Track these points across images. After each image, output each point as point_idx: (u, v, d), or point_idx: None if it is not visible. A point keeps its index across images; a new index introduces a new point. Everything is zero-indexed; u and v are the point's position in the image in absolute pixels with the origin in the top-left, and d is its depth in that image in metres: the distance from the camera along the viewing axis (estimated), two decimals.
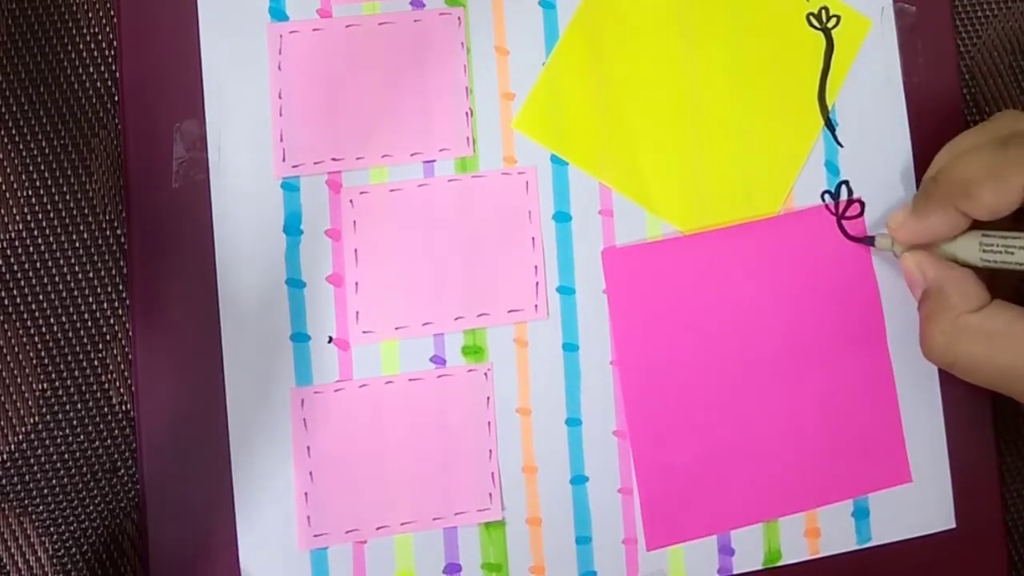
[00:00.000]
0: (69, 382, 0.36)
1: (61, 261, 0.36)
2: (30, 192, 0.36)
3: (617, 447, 0.38)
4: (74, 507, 0.36)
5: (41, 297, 0.36)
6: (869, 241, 0.38)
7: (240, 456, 0.36)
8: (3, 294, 0.36)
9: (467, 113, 0.38)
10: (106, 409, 0.36)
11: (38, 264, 0.36)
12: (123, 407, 0.36)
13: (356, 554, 0.36)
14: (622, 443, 0.38)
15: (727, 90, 0.39)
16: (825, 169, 0.40)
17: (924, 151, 0.40)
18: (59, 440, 0.36)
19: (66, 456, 0.36)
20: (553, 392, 0.38)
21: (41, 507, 0.35)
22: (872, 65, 0.40)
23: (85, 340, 0.36)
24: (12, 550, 0.35)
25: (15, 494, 0.35)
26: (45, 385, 0.36)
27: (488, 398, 0.37)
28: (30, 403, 0.36)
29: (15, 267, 0.36)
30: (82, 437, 0.36)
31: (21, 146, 0.36)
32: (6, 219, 0.36)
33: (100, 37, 0.37)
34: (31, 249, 0.36)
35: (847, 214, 0.40)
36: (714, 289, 0.39)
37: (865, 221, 0.40)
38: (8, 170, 0.36)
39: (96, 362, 0.36)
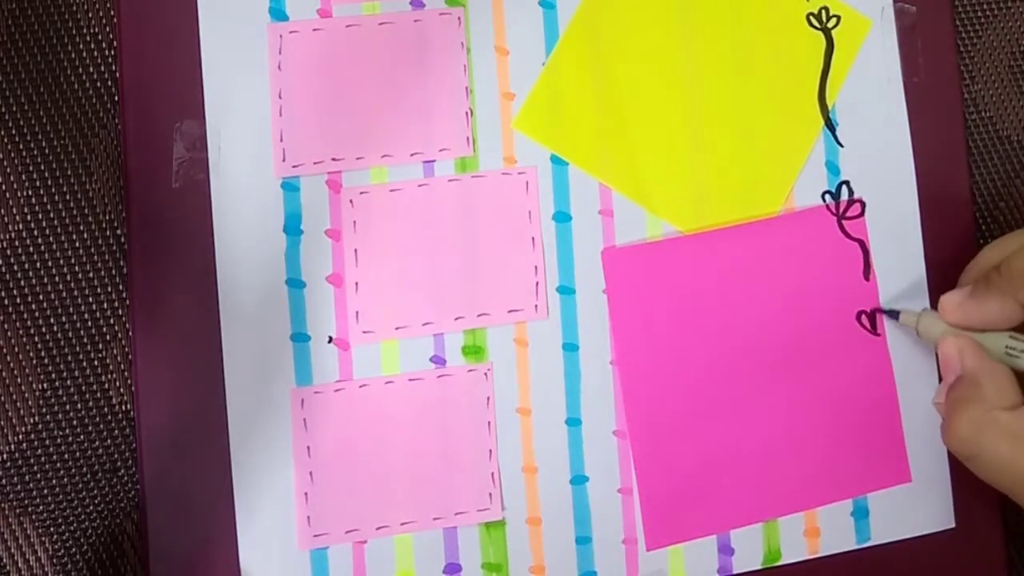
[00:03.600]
0: (69, 382, 0.36)
1: (61, 261, 0.36)
2: (30, 192, 0.36)
3: (617, 447, 0.38)
4: (74, 507, 0.36)
5: (41, 297, 0.36)
6: (893, 315, 0.38)
7: (240, 456, 0.36)
8: (3, 294, 0.36)
9: (467, 113, 0.38)
10: (106, 409, 0.36)
11: (38, 264, 0.36)
12: (123, 407, 0.36)
13: (356, 554, 0.36)
14: (622, 443, 0.38)
15: (727, 90, 0.39)
16: (825, 169, 0.40)
17: (924, 151, 0.40)
18: (59, 440, 0.36)
19: (66, 456, 0.36)
20: (553, 392, 0.38)
21: (41, 507, 0.35)
22: (872, 65, 0.40)
23: (85, 340, 0.36)
24: (12, 550, 0.35)
25: (15, 494, 0.35)
26: (45, 385, 0.36)
27: (488, 398, 0.37)
28: (30, 403, 0.36)
29: (15, 267, 0.36)
30: (82, 437, 0.36)
31: (21, 146, 0.36)
32: (6, 219, 0.36)
33: (100, 37, 0.37)
34: (31, 249, 0.36)
35: (848, 214, 0.40)
36: (714, 289, 0.39)
37: (866, 222, 0.40)
38: (8, 170, 0.36)
39: (96, 362, 0.36)
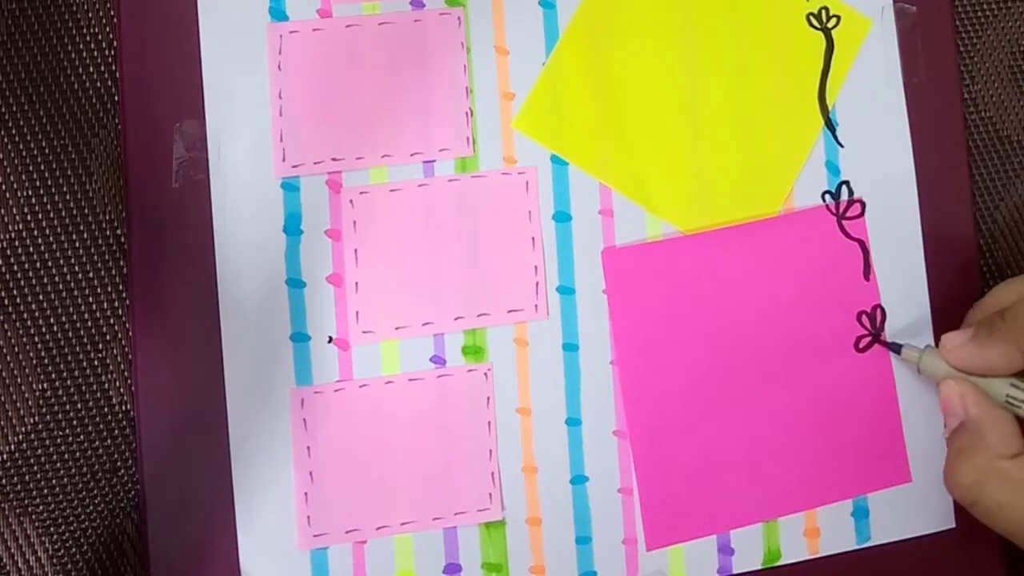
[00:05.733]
0: (69, 382, 0.36)
1: (61, 261, 0.36)
2: (30, 192, 0.36)
3: (617, 447, 0.38)
4: (74, 507, 0.36)
5: (41, 297, 0.36)
6: (895, 348, 0.38)
7: (240, 456, 0.36)
8: (3, 294, 0.36)
9: (467, 113, 0.38)
10: (106, 409, 0.36)
11: (38, 264, 0.36)
12: (123, 407, 0.36)
13: (356, 554, 0.36)
14: (622, 443, 0.38)
15: (727, 90, 0.39)
16: (825, 169, 0.40)
17: (924, 151, 0.40)
18: (59, 440, 0.36)
19: (66, 456, 0.36)
20: (553, 392, 0.38)
21: (41, 507, 0.35)
22: (872, 65, 0.40)
23: (85, 340, 0.36)
24: (12, 550, 0.35)
25: (15, 494, 0.35)
26: (45, 385, 0.36)
27: (488, 398, 0.37)
28: (30, 403, 0.36)
29: (15, 267, 0.36)
30: (82, 437, 0.36)
31: (21, 146, 0.36)
32: (6, 219, 0.36)
33: (100, 37, 0.37)
34: (31, 249, 0.36)
35: (848, 214, 0.40)
36: (714, 289, 0.39)
37: (866, 222, 0.40)
38: (8, 170, 0.36)
39: (96, 362, 0.36)
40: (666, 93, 0.39)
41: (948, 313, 0.40)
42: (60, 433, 0.36)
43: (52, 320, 0.36)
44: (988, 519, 0.33)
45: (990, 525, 0.33)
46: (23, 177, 0.36)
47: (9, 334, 0.36)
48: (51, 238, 0.36)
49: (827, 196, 0.40)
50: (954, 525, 0.39)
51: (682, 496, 0.38)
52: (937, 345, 0.37)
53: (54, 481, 0.35)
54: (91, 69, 0.37)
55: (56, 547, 0.35)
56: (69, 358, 0.36)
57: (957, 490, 0.34)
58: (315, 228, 0.37)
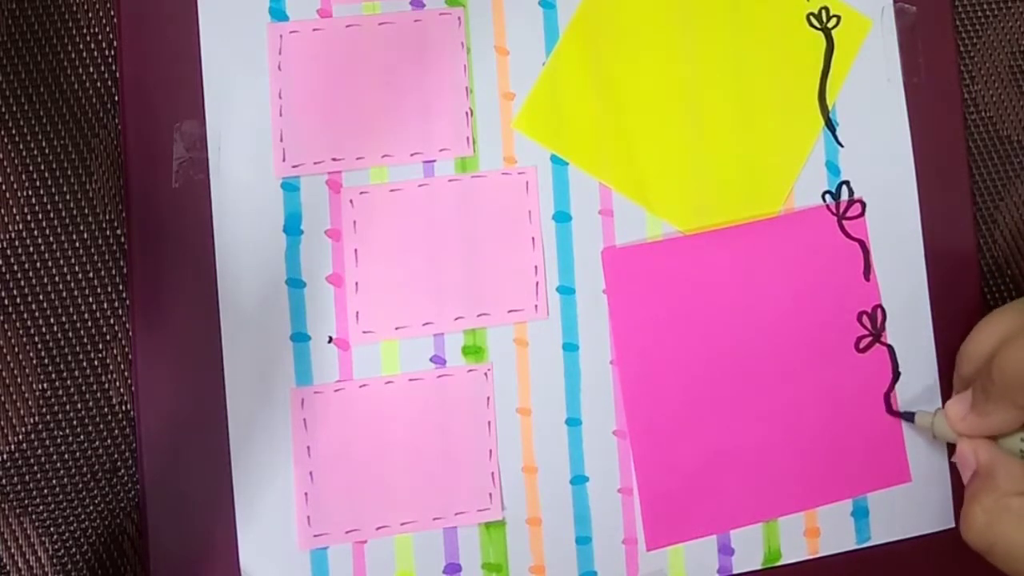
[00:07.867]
0: (69, 382, 0.36)
1: (61, 261, 0.36)
2: (30, 192, 0.36)
3: (617, 447, 0.38)
4: (74, 507, 0.36)
5: (41, 297, 0.36)
6: (908, 417, 0.38)
7: (240, 456, 0.36)
8: (3, 294, 0.36)
9: (467, 113, 0.38)
10: (106, 409, 0.36)
11: (38, 264, 0.36)
12: (123, 407, 0.36)
13: (356, 554, 0.36)
14: (622, 443, 0.38)
15: (727, 90, 0.39)
16: (825, 169, 0.40)
17: (924, 151, 0.40)
18: (59, 440, 0.36)
19: (66, 456, 0.36)
20: (553, 392, 0.38)
21: (41, 507, 0.35)
22: (872, 65, 0.40)
23: (85, 340, 0.36)
24: (12, 550, 0.35)
25: (15, 494, 0.35)
26: (45, 385, 0.36)
27: (488, 398, 0.37)
28: (30, 403, 0.36)
29: (15, 267, 0.36)
30: (82, 437, 0.36)
31: (21, 146, 0.36)
32: (6, 219, 0.36)
33: (100, 37, 0.37)
34: (31, 249, 0.36)
35: (848, 214, 0.40)
36: (714, 289, 0.39)
37: (866, 222, 0.40)
38: (8, 170, 0.36)
39: (96, 362, 0.36)
40: (666, 93, 0.39)
41: (948, 312, 0.40)
42: (60, 433, 0.36)
43: (52, 320, 0.36)
44: (1005, 562, 0.32)
45: (1009, 571, 0.33)
46: (23, 177, 0.36)
47: (9, 334, 0.36)
48: (51, 238, 0.36)
49: (827, 196, 0.40)
50: (954, 525, 0.39)
51: (682, 496, 0.38)
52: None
53: (54, 481, 0.35)
54: (91, 69, 0.37)
55: (56, 547, 0.35)
56: (69, 358, 0.36)
57: (970, 533, 0.33)
58: (315, 228, 0.37)
